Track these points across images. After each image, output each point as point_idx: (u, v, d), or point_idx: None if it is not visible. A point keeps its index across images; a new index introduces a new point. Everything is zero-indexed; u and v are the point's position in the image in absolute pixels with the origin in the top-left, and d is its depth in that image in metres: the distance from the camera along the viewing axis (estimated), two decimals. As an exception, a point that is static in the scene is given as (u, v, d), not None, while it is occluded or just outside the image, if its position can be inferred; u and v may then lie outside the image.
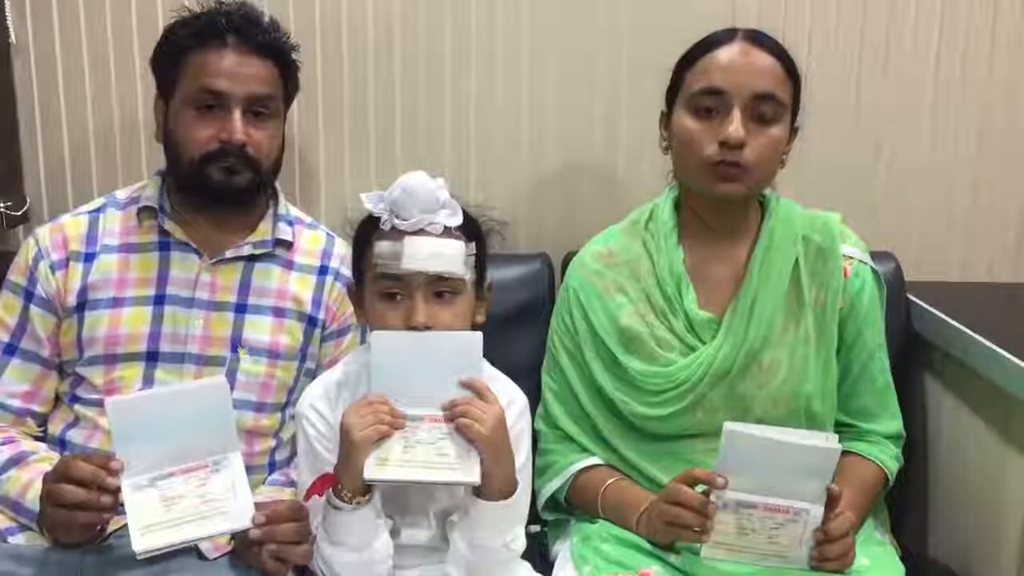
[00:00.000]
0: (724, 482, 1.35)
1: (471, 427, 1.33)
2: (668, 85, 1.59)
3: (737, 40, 1.53)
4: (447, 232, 1.38)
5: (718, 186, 1.52)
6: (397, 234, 1.37)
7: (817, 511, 1.36)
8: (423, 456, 1.33)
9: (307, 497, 1.39)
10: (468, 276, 1.41)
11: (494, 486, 1.36)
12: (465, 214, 1.41)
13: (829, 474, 1.35)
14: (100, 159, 1.99)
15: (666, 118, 1.60)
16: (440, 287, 1.39)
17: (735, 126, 1.48)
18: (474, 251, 1.42)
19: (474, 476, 1.33)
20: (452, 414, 1.35)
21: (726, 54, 1.52)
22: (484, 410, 1.35)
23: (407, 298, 1.38)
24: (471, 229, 1.43)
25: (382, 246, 1.38)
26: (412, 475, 1.33)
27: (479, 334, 1.38)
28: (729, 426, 1.35)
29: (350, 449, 1.33)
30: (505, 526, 1.39)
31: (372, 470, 1.32)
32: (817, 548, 1.37)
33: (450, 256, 1.37)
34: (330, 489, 1.35)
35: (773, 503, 1.36)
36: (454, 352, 1.37)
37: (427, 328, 1.37)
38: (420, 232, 1.37)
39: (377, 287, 1.40)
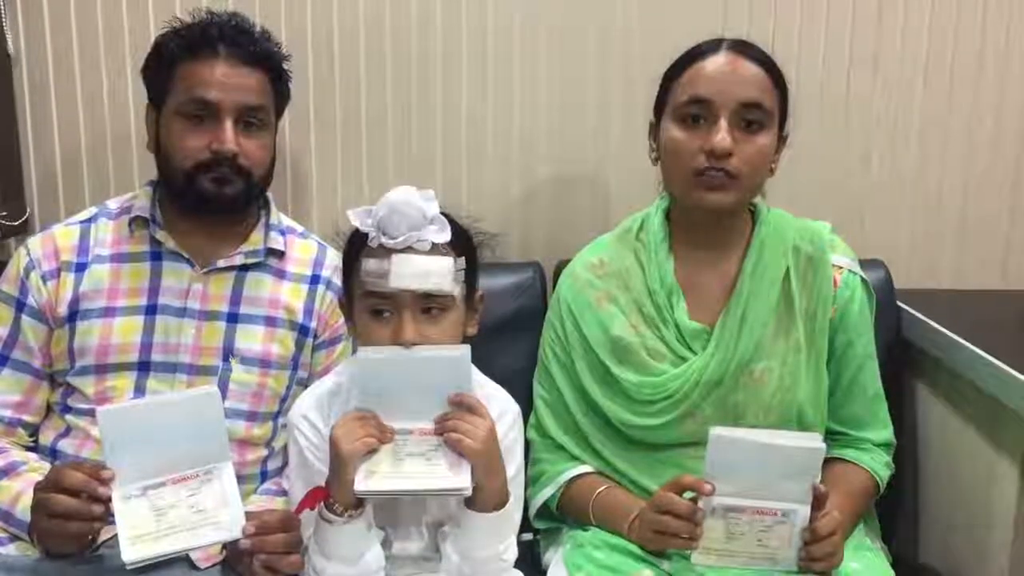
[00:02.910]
0: (711, 489, 1.35)
1: (461, 442, 1.32)
2: (655, 96, 1.60)
3: (723, 50, 1.54)
4: (435, 248, 1.36)
5: (705, 196, 1.52)
6: (384, 251, 1.36)
7: (804, 511, 1.37)
8: (413, 467, 1.33)
9: (298, 511, 1.39)
10: (457, 291, 1.39)
11: (486, 498, 1.35)
12: (454, 227, 1.40)
13: (815, 474, 1.36)
14: (92, 169, 1.99)
15: (654, 129, 1.61)
16: (429, 304, 1.38)
17: (721, 135, 1.49)
18: (463, 266, 1.40)
19: (465, 483, 1.32)
20: (442, 428, 1.34)
21: (712, 64, 1.53)
22: (475, 424, 1.33)
23: (395, 315, 1.37)
24: (460, 243, 1.41)
25: (369, 264, 1.37)
26: (403, 485, 1.32)
27: (467, 348, 1.37)
28: (716, 431, 1.36)
29: (339, 463, 1.32)
30: (498, 537, 1.39)
31: (362, 483, 1.31)
32: (805, 548, 1.38)
33: (438, 273, 1.36)
34: (321, 503, 1.35)
35: (761, 506, 1.36)
36: (442, 368, 1.35)
37: (414, 346, 1.36)
38: (408, 249, 1.35)
39: (365, 304, 1.39)
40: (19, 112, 1.96)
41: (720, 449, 1.35)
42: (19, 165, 1.97)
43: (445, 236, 1.37)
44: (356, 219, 1.39)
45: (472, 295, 1.46)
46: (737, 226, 1.62)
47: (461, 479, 1.32)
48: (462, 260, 1.40)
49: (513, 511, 1.42)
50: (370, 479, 1.32)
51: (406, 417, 1.35)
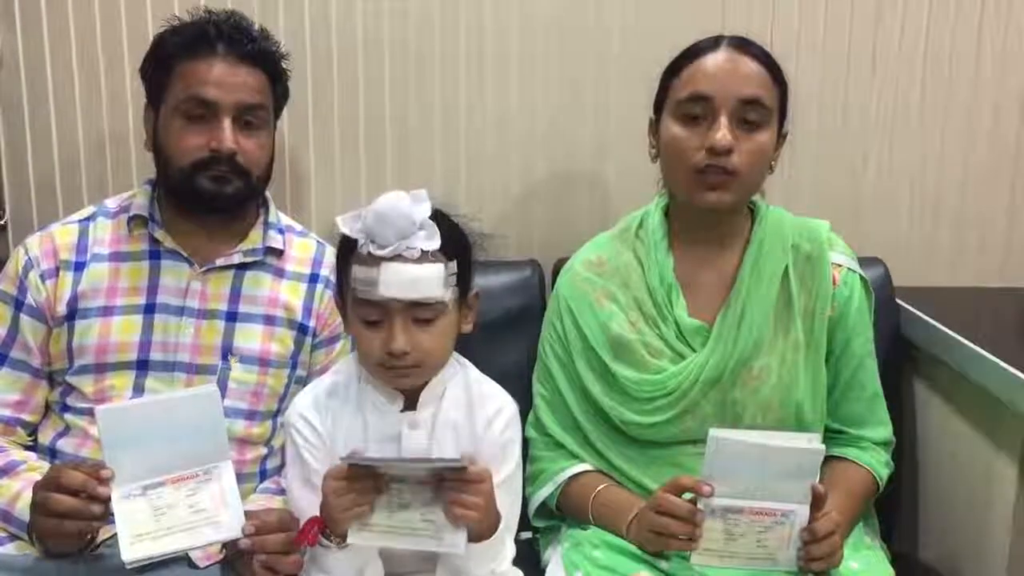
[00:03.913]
0: (710, 490, 1.35)
1: (466, 516, 1.30)
2: (655, 93, 1.60)
3: (723, 47, 1.54)
4: (424, 256, 1.34)
5: (705, 195, 1.52)
6: (373, 260, 1.34)
7: (803, 512, 1.37)
8: (408, 522, 1.31)
9: (297, 544, 1.38)
10: (449, 296, 1.38)
11: (479, 538, 1.34)
12: (446, 229, 1.37)
13: (813, 475, 1.36)
14: (90, 168, 1.99)
15: (654, 126, 1.61)
16: (420, 312, 1.36)
17: (722, 132, 1.49)
18: (455, 270, 1.38)
19: (460, 547, 1.31)
20: (442, 494, 1.30)
21: (712, 61, 1.53)
22: (477, 493, 1.30)
23: (386, 323, 1.36)
24: (452, 246, 1.38)
25: (359, 272, 1.35)
26: (398, 543, 1.32)
27: (465, 463, 1.30)
28: (714, 432, 1.35)
29: (331, 520, 1.32)
30: (490, 556, 1.38)
31: (357, 536, 1.31)
32: (804, 548, 1.38)
33: (427, 281, 1.34)
34: (319, 533, 1.34)
35: (760, 507, 1.36)
36: (440, 468, 1.31)
37: (405, 354, 1.36)
38: (397, 258, 1.33)
39: (357, 311, 1.38)
40: (15, 112, 1.95)
41: (719, 450, 1.35)
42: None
43: (435, 243, 1.34)
44: (345, 226, 1.37)
45: (466, 294, 1.45)
46: (736, 224, 1.62)
47: (456, 541, 1.31)
48: (453, 264, 1.38)
49: (509, 517, 1.42)
50: (364, 532, 1.31)
51: (401, 462, 1.33)
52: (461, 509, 1.29)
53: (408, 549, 1.34)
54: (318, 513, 1.35)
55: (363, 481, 1.31)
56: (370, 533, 1.31)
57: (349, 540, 1.31)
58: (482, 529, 1.34)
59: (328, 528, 1.33)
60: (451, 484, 1.30)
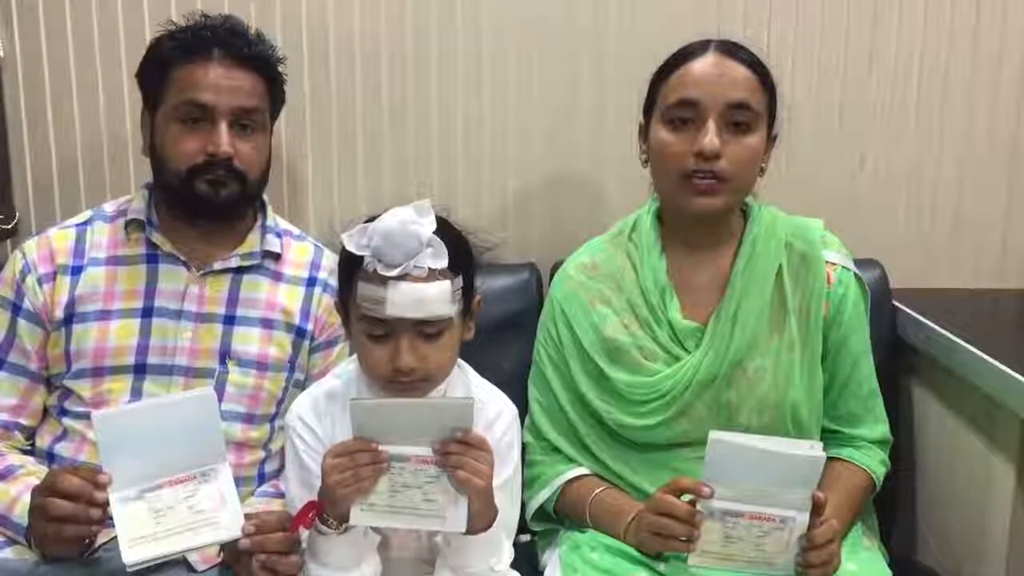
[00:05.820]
0: (710, 492, 1.35)
1: (470, 481, 1.29)
2: (644, 99, 1.60)
3: (710, 51, 1.54)
4: (432, 274, 1.33)
5: (695, 201, 1.52)
6: (380, 278, 1.32)
7: (802, 518, 1.36)
8: (410, 501, 1.31)
9: (294, 528, 1.37)
10: (455, 311, 1.37)
11: (478, 524, 1.34)
12: (451, 244, 1.35)
13: (814, 482, 1.36)
14: (88, 172, 1.99)
15: (644, 131, 1.61)
16: (426, 328, 1.36)
17: (709, 137, 1.49)
18: (460, 285, 1.37)
19: (461, 526, 1.31)
20: (445, 461, 1.30)
21: (699, 65, 1.53)
22: (481, 459, 1.30)
23: (393, 339, 1.35)
24: (458, 260, 1.36)
25: (366, 290, 1.34)
26: (399, 522, 1.32)
27: (471, 402, 1.31)
28: (715, 435, 1.35)
29: (331, 498, 1.31)
30: (489, 550, 1.38)
31: (358, 515, 1.31)
32: (802, 554, 1.37)
33: (435, 300, 1.33)
34: (315, 517, 1.34)
35: (759, 511, 1.36)
36: (447, 416, 1.31)
37: (413, 370, 1.35)
38: (405, 276, 1.32)
39: (362, 327, 1.37)
40: (13, 116, 1.96)
41: (719, 453, 1.34)
42: (7, 168, 1.96)
43: (442, 262, 1.33)
44: (351, 243, 1.35)
45: (469, 303, 1.44)
46: (729, 225, 1.62)
47: (458, 519, 1.31)
48: (459, 279, 1.37)
49: (508, 518, 1.41)
50: (365, 512, 1.31)
51: (402, 440, 1.32)
52: (466, 473, 1.29)
53: (411, 529, 1.33)
54: None
55: (364, 457, 1.30)
56: (372, 513, 1.31)
57: (351, 519, 1.30)
58: (481, 511, 1.33)
59: (327, 511, 1.33)
60: (455, 449, 1.30)
